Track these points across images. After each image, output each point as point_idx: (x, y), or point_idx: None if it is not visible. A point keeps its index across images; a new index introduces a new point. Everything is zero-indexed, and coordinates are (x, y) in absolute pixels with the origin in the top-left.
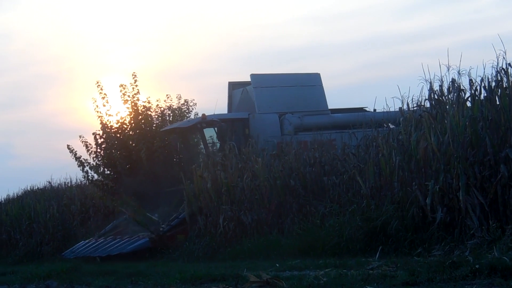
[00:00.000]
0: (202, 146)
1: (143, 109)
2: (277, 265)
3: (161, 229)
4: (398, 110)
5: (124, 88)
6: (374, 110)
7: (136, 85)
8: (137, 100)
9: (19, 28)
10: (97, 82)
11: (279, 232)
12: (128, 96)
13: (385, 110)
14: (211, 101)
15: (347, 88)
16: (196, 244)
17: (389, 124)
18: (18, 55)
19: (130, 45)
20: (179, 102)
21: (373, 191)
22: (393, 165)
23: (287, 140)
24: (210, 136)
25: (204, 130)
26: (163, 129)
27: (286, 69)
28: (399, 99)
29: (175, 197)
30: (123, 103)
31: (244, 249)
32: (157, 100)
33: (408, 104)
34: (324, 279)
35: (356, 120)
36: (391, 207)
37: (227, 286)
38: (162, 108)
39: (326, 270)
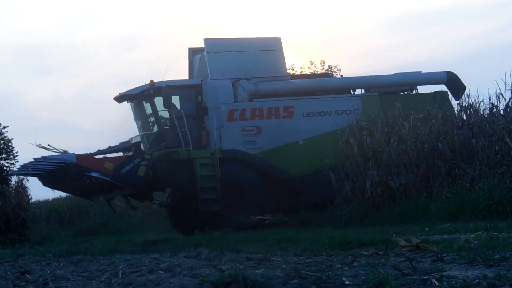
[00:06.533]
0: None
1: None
2: (427, 229)
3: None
4: (370, 76)
5: None
6: (341, 76)
7: None
8: None
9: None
10: None
11: (427, 196)
12: None
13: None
14: (356, 66)
15: (488, 51)
16: (343, 209)
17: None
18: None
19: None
20: (323, 68)
21: None
22: None
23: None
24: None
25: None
26: (115, 96)
27: (425, 33)
28: None
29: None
30: None
31: (393, 214)
32: (301, 67)
33: None
34: (475, 242)
35: (317, 86)
36: None
37: (377, 251)
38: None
39: (477, 233)
